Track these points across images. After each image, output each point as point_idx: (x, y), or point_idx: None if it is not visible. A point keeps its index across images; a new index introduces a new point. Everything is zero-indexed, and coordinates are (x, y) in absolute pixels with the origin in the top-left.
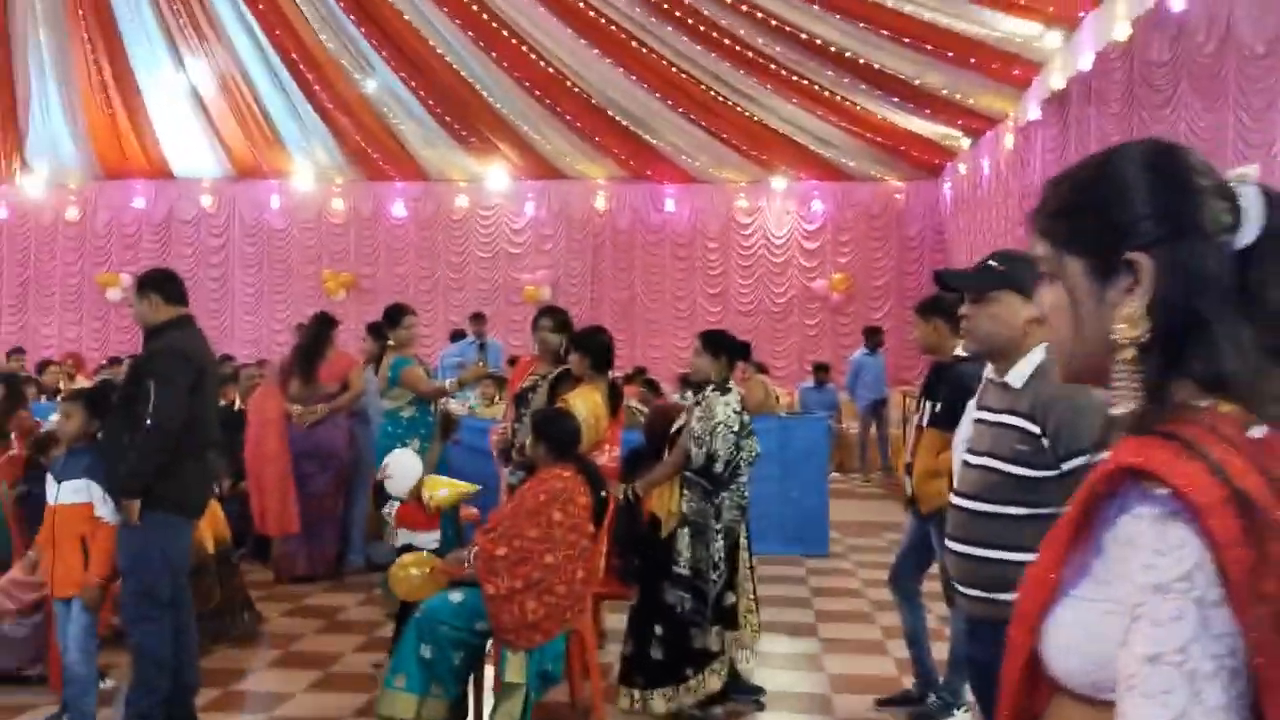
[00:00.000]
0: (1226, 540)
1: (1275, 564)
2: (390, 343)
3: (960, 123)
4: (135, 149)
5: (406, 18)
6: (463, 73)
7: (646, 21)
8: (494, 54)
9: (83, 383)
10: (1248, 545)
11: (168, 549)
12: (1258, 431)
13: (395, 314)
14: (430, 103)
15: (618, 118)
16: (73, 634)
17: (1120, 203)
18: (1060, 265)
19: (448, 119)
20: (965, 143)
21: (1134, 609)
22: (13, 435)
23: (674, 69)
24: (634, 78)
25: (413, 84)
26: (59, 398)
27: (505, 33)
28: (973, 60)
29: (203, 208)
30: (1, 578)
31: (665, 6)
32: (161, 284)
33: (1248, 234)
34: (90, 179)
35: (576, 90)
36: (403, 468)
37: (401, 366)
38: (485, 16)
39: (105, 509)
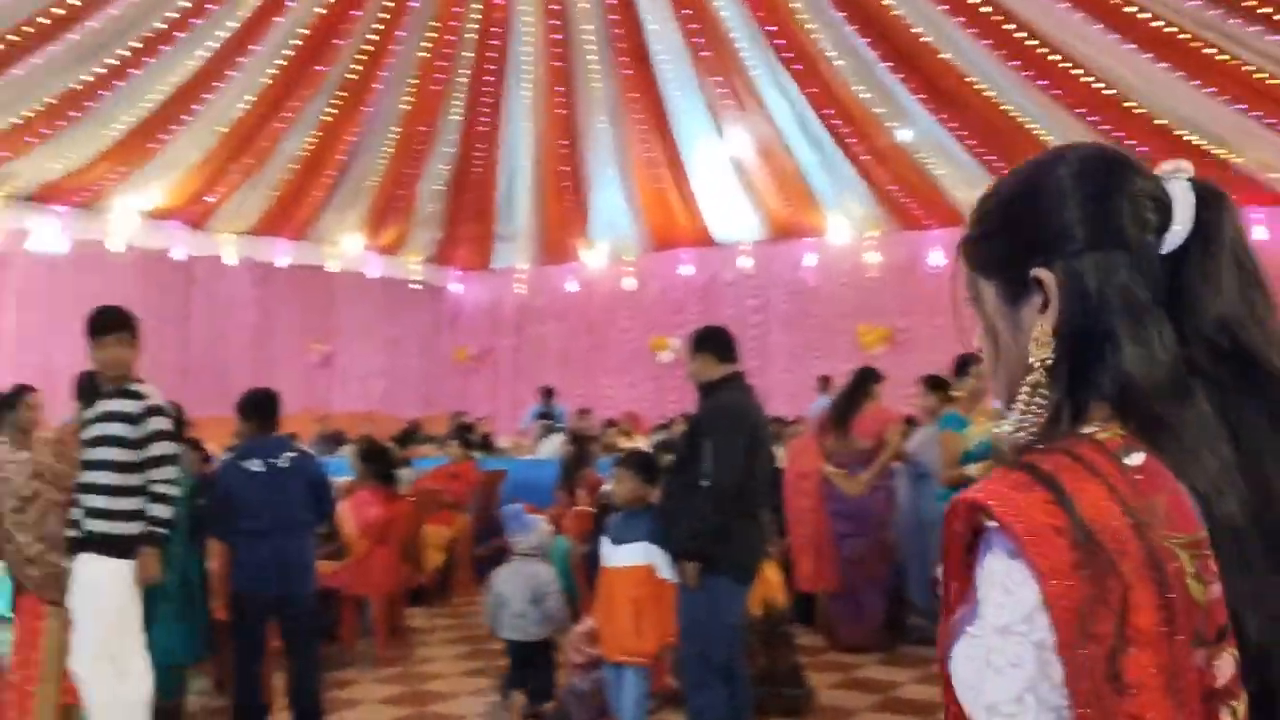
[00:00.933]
0: (1049, 570)
1: (1114, 605)
2: (954, 394)
3: None
4: (682, 219)
5: (944, 56)
6: (1006, 107)
7: (1224, 25)
8: (1041, 81)
9: (640, 441)
10: (1079, 579)
11: (725, 614)
12: (1134, 459)
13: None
14: (970, 142)
15: (1188, 136)
16: (625, 704)
17: (1027, 218)
18: (977, 290)
19: (988, 157)
20: None
21: (987, 653)
22: (580, 491)
23: (1259, 74)
24: (1210, 89)
25: (952, 125)
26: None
27: (1052, 56)
28: None
29: (741, 270)
30: (571, 631)
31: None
32: (714, 341)
33: (1176, 235)
34: (644, 251)
35: (1138, 111)
36: None
37: (948, 425)
38: (1033, 42)
39: (667, 571)
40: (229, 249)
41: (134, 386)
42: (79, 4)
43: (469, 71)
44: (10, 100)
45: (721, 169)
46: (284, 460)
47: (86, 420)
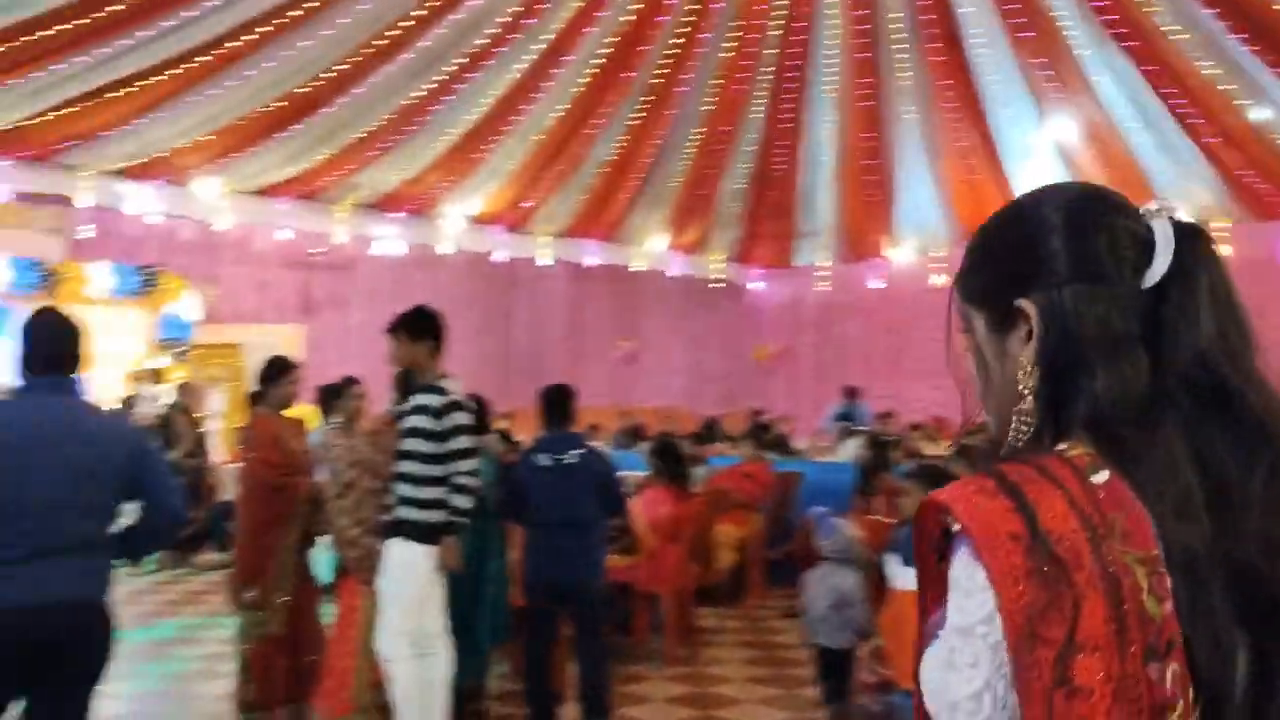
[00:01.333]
0: (1003, 575)
1: (1069, 610)
2: None
3: None
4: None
5: None
6: None
7: None
8: None
9: (943, 446)
10: (1030, 584)
11: None
12: (1098, 478)
13: None
14: None
15: None
16: None
17: (1013, 251)
18: (969, 321)
19: None
20: None
21: (949, 653)
22: (878, 499)
23: None
24: None
25: None
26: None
27: None
28: None
29: None
30: (862, 646)
31: None
32: None
33: (1155, 274)
34: (954, 245)
35: None
36: None
37: None
38: None
39: None
40: (545, 250)
41: (439, 382)
42: (412, 24)
43: (771, 68)
44: (354, 117)
45: (1043, 155)
46: (571, 457)
47: (400, 413)
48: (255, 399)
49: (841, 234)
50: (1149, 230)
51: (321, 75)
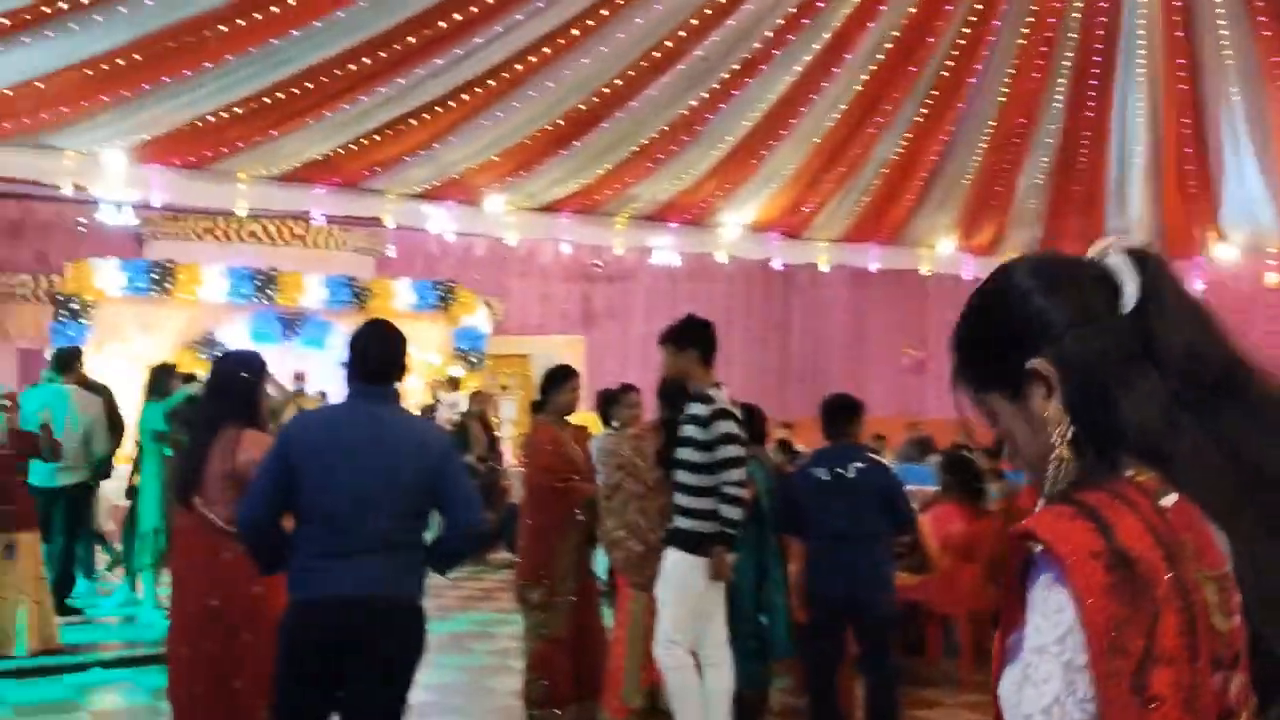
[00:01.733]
0: (1087, 590)
1: (1147, 624)
2: None
3: None
4: None
5: None
6: None
7: None
8: None
9: None
10: (1114, 599)
11: None
12: (1167, 500)
13: None
14: None
15: None
16: None
17: (1004, 324)
18: (990, 409)
19: None
20: None
21: (1025, 668)
22: None
23: None
24: None
25: None
26: None
27: None
28: None
29: None
30: None
31: None
32: None
33: (1129, 298)
34: None
35: None
36: None
37: None
38: None
39: None
40: (823, 257)
41: (708, 390)
42: (685, 36)
43: (1073, 54)
44: (631, 130)
45: None
46: (852, 470)
47: (666, 421)
48: (536, 407)
49: (1156, 230)
50: (1106, 267)
51: (599, 91)
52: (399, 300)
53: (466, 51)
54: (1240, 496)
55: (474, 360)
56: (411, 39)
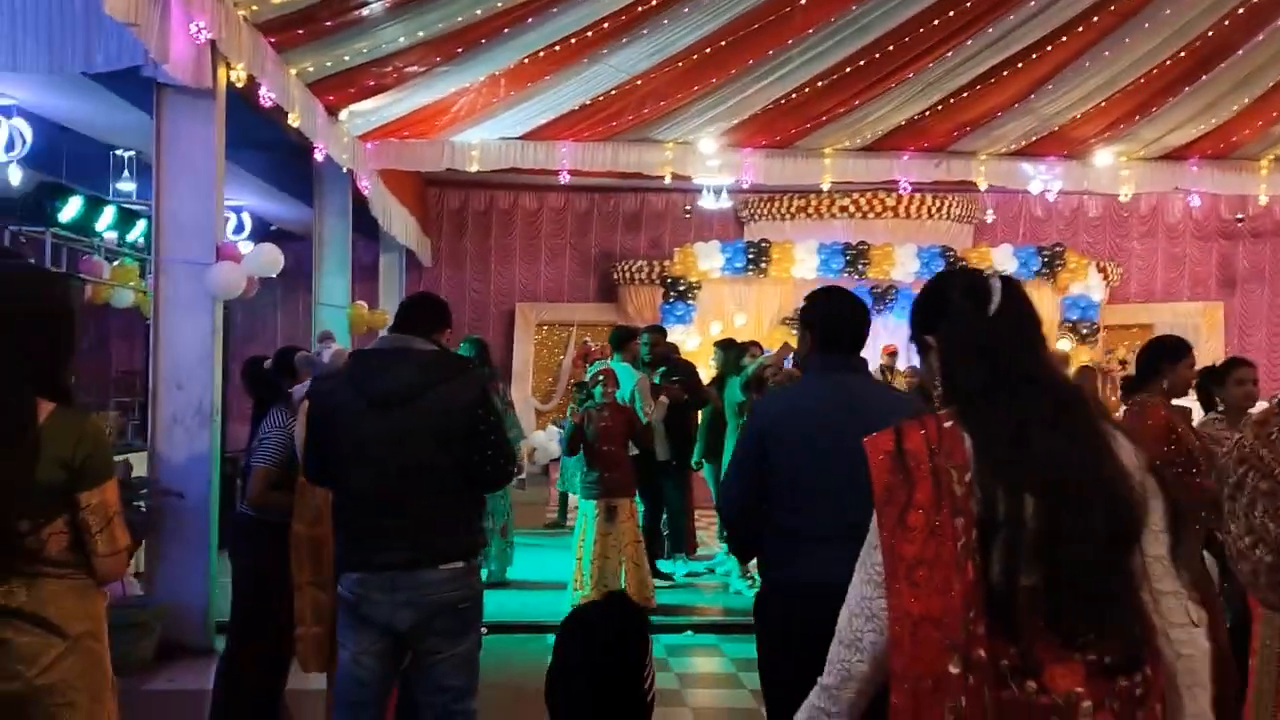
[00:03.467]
0: (878, 470)
1: (908, 487)
2: None
3: None
4: None
5: None
6: None
7: None
8: None
9: None
10: (892, 472)
11: None
12: (948, 423)
13: None
14: None
15: None
16: None
17: (922, 309)
18: (924, 348)
19: None
20: None
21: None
22: None
23: None
24: None
25: None
26: None
27: None
28: None
29: None
30: None
31: None
32: None
33: (994, 305)
34: None
35: None
36: None
37: None
38: None
39: None
40: None
41: None
42: None
43: None
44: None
45: None
46: None
47: None
48: (1134, 384)
49: None
50: (988, 283)
51: (1231, 14)
52: (998, 268)
53: None
54: (998, 444)
55: (1085, 332)
56: None
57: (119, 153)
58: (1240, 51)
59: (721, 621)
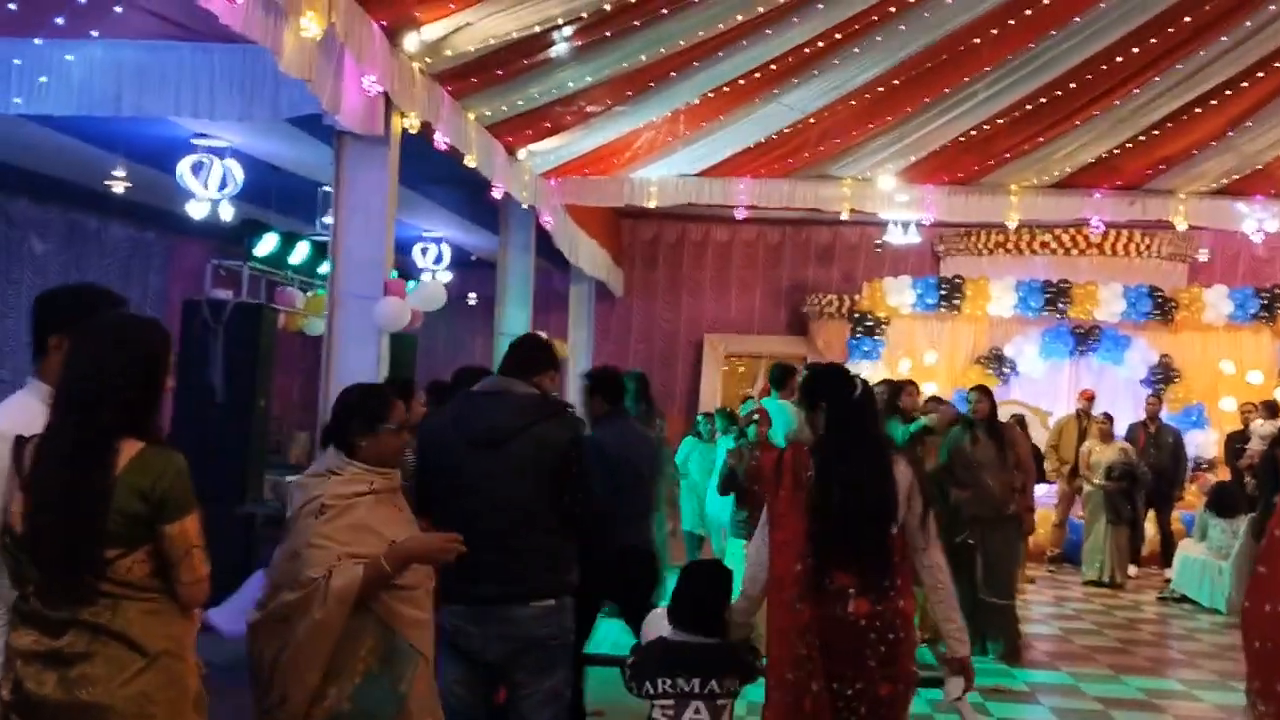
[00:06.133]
0: (768, 470)
1: (776, 482)
2: None
3: None
4: None
5: None
6: None
7: None
8: None
9: None
10: (774, 472)
11: None
12: (804, 448)
13: None
14: None
15: None
16: None
17: (811, 390)
18: (813, 411)
19: None
20: None
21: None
22: None
23: None
24: None
25: None
26: None
27: None
28: None
29: None
30: None
31: None
32: None
33: (857, 393)
34: None
35: None
36: None
37: None
38: None
39: None
40: None
41: None
42: None
43: None
44: None
45: None
46: None
47: None
48: None
49: None
50: (855, 379)
51: None
52: (1212, 311)
53: (1258, 25)
54: (828, 461)
55: None
56: (1188, 18)
57: (325, 189)
58: None
59: None
